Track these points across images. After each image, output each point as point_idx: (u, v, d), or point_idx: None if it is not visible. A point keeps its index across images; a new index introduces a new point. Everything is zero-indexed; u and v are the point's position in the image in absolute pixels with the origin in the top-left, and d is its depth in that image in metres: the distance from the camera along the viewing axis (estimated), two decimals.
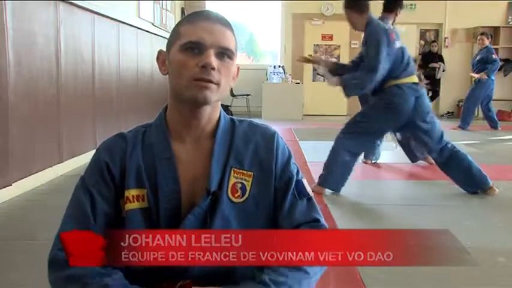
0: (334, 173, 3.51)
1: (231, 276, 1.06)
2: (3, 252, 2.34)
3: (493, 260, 2.29)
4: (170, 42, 1.07)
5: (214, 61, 1.01)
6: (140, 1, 6.41)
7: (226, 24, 1.06)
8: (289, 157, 1.15)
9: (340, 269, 2.12)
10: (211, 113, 1.08)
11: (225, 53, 1.03)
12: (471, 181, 3.54)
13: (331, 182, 3.52)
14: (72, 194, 1.09)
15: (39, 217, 2.85)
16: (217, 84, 1.02)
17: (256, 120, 1.18)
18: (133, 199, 1.05)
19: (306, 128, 7.89)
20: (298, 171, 1.15)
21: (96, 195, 1.05)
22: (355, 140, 3.51)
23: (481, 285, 2.03)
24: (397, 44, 3.53)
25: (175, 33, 1.06)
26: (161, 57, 1.10)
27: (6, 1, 3.15)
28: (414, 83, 3.50)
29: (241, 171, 1.09)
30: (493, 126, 7.87)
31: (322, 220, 1.13)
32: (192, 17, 1.06)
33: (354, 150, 3.52)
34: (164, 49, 1.11)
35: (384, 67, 3.36)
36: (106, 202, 1.05)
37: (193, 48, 1.01)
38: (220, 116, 1.12)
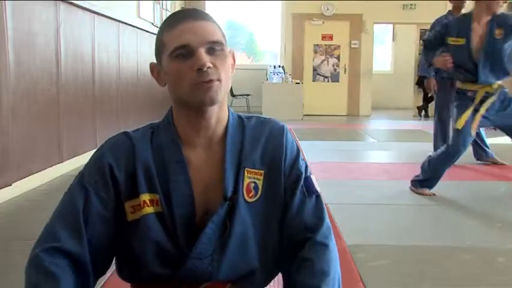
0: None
1: (252, 275, 1.07)
2: (3, 252, 2.34)
3: (493, 260, 2.29)
4: (158, 54, 1.03)
5: (207, 60, 0.97)
6: (140, 1, 6.41)
7: (206, 17, 1.02)
8: (298, 153, 1.12)
9: (340, 268, 2.12)
10: (219, 112, 1.05)
11: (214, 47, 0.99)
12: None
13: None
14: (68, 188, 1.06)
15: (39, 217, 2.84)
16: (219, 80, 0.99)
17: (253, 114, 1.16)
18: (150, 203, 1.02)
19: (306, 128, 7.89)
20: (306, 167, 1.12)
21: (92, 194, 1.01)
22: None
23: (481, 285, 2.03)
24: None
25: (160, 43, 1.02)
26: (155, 70, 1.06)
27: (6, 1, 3.15)
28: None
29: (253, 170, 1.07)
30: None
31: (327, 220, 1.11)
32: (171, 21, 1.02)
33: None
34: (155, 60, 1.07)
35: None
36: (102, 204, 1.02)
37: (182, 53, 0.98)
38: (229, 116, 1.08)
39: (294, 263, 1.06)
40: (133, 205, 1.03)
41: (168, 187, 1.03)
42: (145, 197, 1.02)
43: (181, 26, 0.99)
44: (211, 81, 0.98)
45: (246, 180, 1.06)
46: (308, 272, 1.03)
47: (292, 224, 1.08)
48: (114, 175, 1.02)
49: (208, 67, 0.97)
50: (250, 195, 1.06)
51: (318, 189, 1.12)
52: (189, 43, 0.97)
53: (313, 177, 1.12)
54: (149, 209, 1.02)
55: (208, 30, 0.99)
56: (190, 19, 1.00)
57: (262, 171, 1.07)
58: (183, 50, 0.98)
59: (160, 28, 1.05)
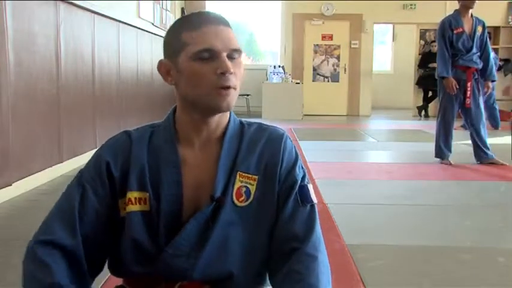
0: None
1: (231, 279, 1.06)
2: (3, 252, 2.34)
3: (493, 260, 2.29)
4: (174, 51, 1.02)
5: (231, 65, 1.00)
6: (140, 1, 6.42)
7: (227, 23, 1.04)
8: (296, 161, 1.11)
9: (340, 269, 2.12)
10: (221, 117, 1.07)
11: (234, 54, 1.02)
12: None
13: None
14: (67, 185, 1.08)
15: (39, 217, 2.83)
16: (235, 88, 1.02)
17: (256, 121, 1.16)
18: (136, 201, 1.04)
19: (306, 128, 7.89)
20: (304, 176, 1.11)
21: (89, 191, 1.04)
22: None
23: (481, 285, 2.03)
24: None
25: (179, 42, 1.01)
26: (164, 67, 1.05)
27: (6, 1, 3.15)
28: None
29: (246, 174, 1.07)
30: (494, 125, 7.81)
31: (318, 231, 1.08)
32: (192, 21, 1.02)
33: None
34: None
35: None
36: (98, 200, 1.04)
37: (204, 56, 0.99)
38: (230, 120, 1.09)
39: (281, 273, 1.04)
40: (125, 202, 1.05)
41: (159, 186, 1.05)
42: (132, 194, 1.04)
43: (205, 28, 1.00)
44: (229, 87, 1.00)
45: (238, 184, 1.06)
46: (296, 286, 1.01)
47: (281, 231, 1.07)
48: (111, 172, 1.05)
49: (231, 73, 0.99)
50: (241, 199, 1.06)
51: (314, 199, 1.10)
52: (214, 47, 0.99)
53: (310, 187, 1.11)
54: (133, 207, 1.04)
55: (230, 37, 1.02)
56: (213, 23, 1.01)
57: (256, 177, 1.08)
58: (206, 53, 0.99)
59: (177, 26, 1.04)
